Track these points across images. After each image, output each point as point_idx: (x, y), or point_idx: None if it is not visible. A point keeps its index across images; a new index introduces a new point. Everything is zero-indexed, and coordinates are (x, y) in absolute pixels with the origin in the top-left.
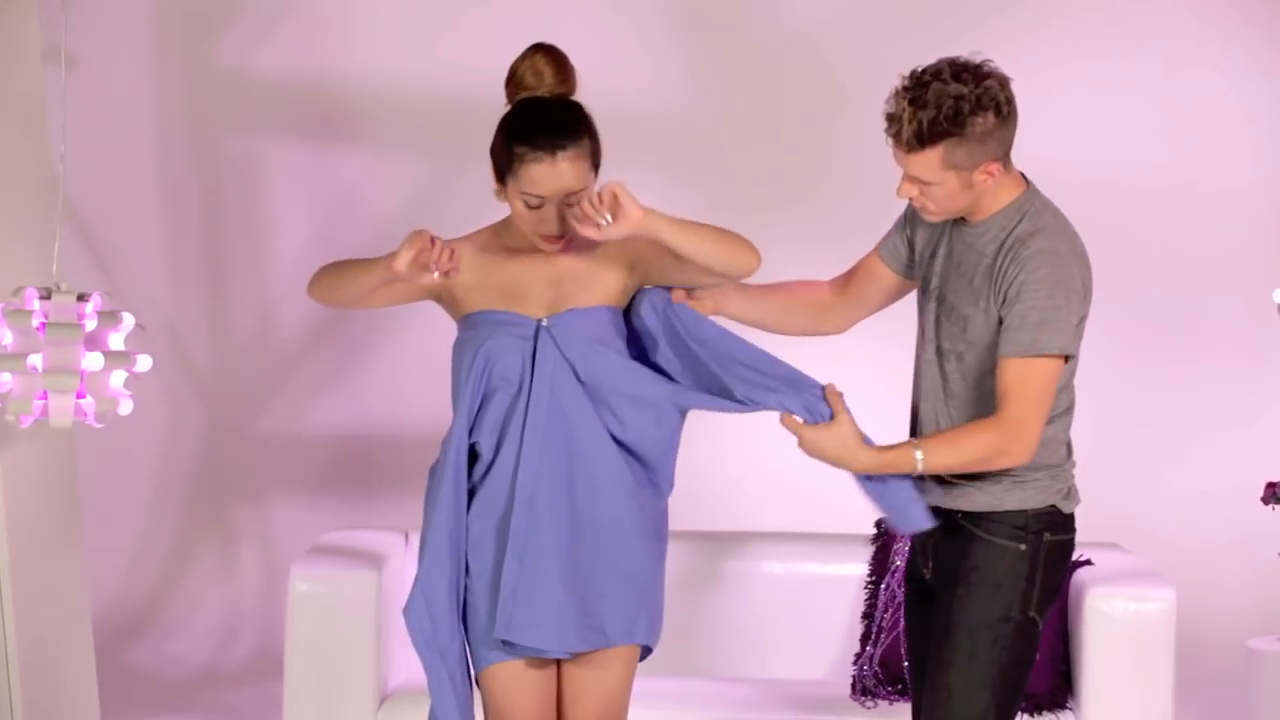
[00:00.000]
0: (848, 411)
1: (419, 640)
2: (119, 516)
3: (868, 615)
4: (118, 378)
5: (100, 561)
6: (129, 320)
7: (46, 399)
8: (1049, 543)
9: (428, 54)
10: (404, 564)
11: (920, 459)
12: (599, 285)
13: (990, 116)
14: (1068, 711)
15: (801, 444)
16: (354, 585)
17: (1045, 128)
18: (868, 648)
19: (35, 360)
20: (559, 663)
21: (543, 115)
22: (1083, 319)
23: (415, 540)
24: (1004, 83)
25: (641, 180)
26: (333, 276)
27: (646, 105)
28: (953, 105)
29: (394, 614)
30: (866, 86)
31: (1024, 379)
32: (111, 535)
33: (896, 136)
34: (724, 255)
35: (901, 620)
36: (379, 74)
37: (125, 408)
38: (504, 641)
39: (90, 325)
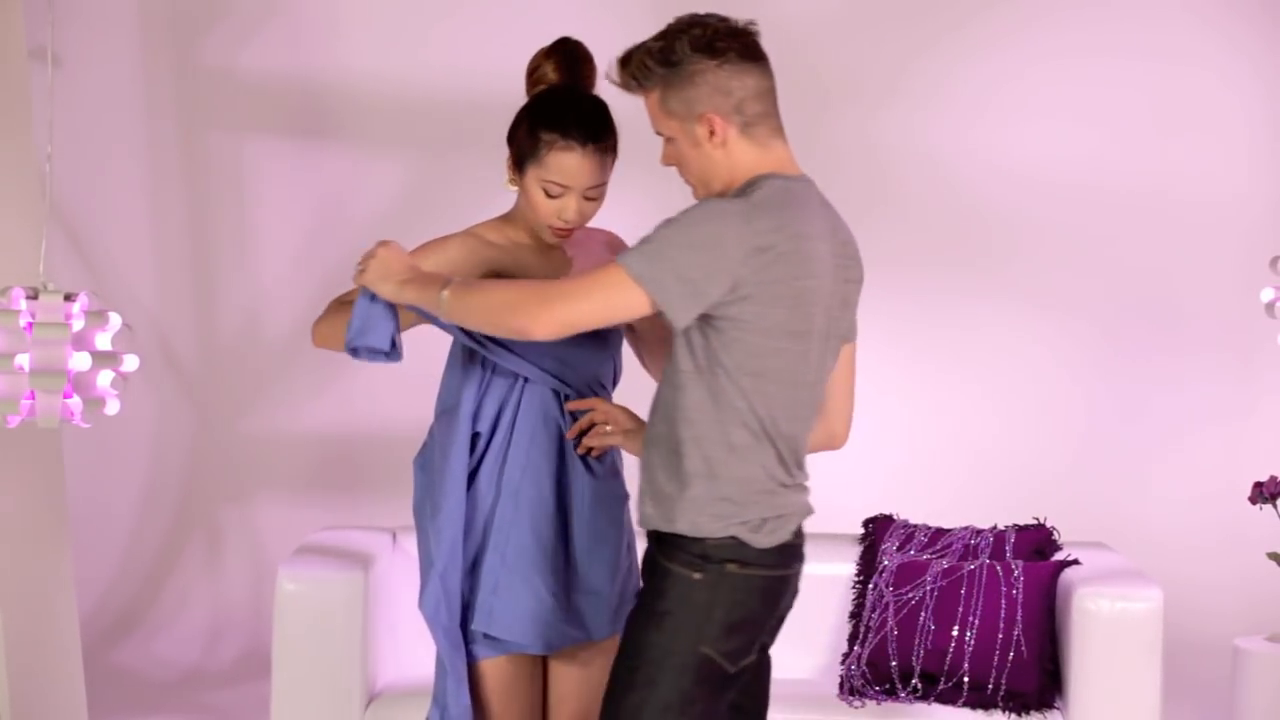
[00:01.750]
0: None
1: (438, 632)
2: (106, 516)
3: (855, 615)
4: (105, 377)
5: (87, 561)
6: (116, 320)
7: (34, 399)
8: (734, 575)
9: (413, 53)
10: (391, 564)
11: (445, 297)
12: None
13: (702, 58)
14: (1055, 711)
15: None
16: (341, 585)
17: (1034, 124)
18: (855, 647)
19: (22, 360)
20: (545, 661)
21: (575, 105)
22: (721, 296)
23: (403, 540)
24: (734, 34)
25: (628, 179)
26: (331, 321)
27: (631, 103)
28: (662, 42)
29: (382, 614)
30: (850, 86)
31: (596, 274)
32: (98, 535)
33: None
34: None
35: (890, 620)
36: (365, 73)
37: (112, 407)
38: (487, 636)
39: (77, 325)
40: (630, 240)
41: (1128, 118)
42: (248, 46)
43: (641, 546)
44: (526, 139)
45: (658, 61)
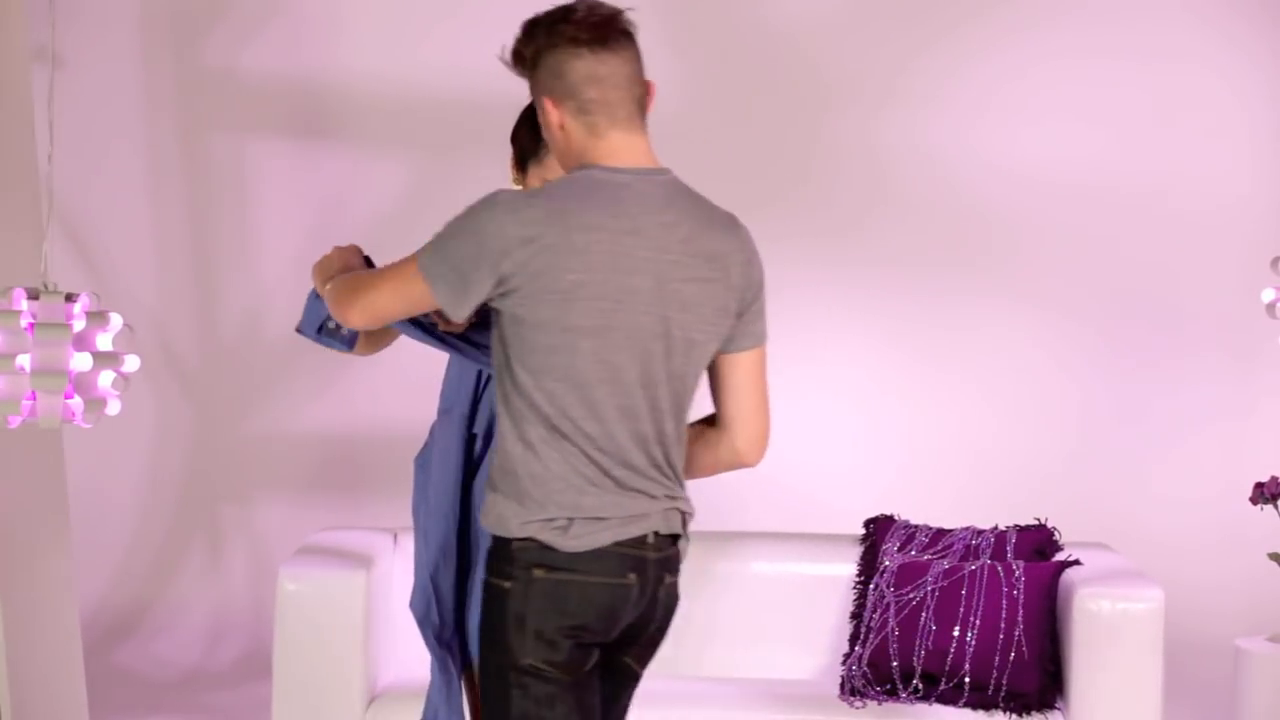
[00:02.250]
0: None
1: (427, 631)
2: (107, 517)
3: (856, 615)
4: (106, 378)
5: (88, 562)
6: (117, 320)
7: (35, 399)
8: (542, 581)
9: (413, 53)
10: (392, 564)
11: (327, 291)
12: None
13: (543, 40)
14: (1056, 711)
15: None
16: (342, 585)
17: (1034, 125)
18: (856, 648)
19: (23, 360)
20: None
21: None
22: (491, 289)
23: (404, 540)
24: (584, 19)
25: None
26: None
27: None
28: (527, 27)
29: (383, 614)
30: (851, 86)
31: (397, 265)
32: (99, 536)
33: None
34: None
35: (891, 620)
36: (365, 73)
37: (113, 408)
38: None
39: (78, 325)
40: None
41: (1129, 118)
42: (248, 47)
43: None
44: (529, 138)
45: (521, 45)
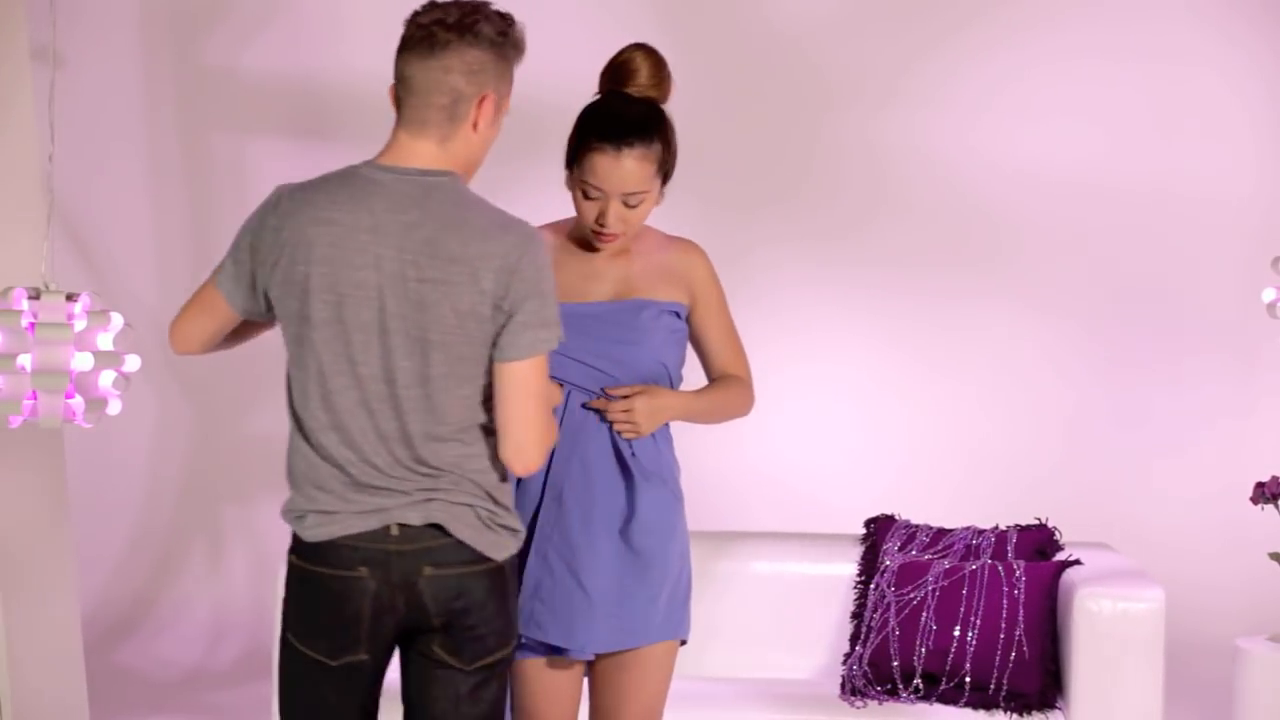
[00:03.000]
0: None
1: None
2: (108, 516)
3: (857, 615)
4: (107, 378)
5: (89, 561)
6: (118, 320)
7: (35, 399)
8: (293, 565)
9: None
10: None
11: None
12: (664, 289)
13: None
14: (1057, 711)
15: None
16: None
17: (1035, 125)
18: (857, 647)
19: (24, 360)
20: (592, 666)
21: (620, 109)
22: (259, 280)
23: None
24: (420, 20)
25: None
26: None
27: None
28: None
29: None
30: (851, 86)
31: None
32: (100, 535)
33: None
34: (728, 414)
35: (891, 620)
36: (366, 73)
37: (114, 408)
38: (528, 638)
39: (79, 325)
40: (714, 253)
41: (1129, 118)
42: (249, 46)
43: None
44: (574, 138)
45: None
